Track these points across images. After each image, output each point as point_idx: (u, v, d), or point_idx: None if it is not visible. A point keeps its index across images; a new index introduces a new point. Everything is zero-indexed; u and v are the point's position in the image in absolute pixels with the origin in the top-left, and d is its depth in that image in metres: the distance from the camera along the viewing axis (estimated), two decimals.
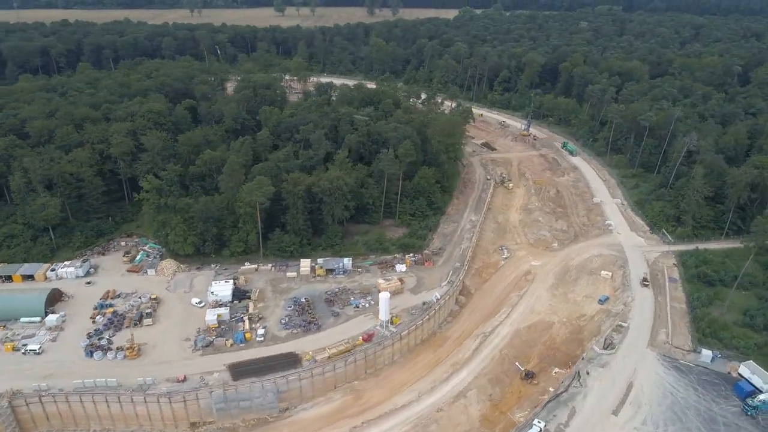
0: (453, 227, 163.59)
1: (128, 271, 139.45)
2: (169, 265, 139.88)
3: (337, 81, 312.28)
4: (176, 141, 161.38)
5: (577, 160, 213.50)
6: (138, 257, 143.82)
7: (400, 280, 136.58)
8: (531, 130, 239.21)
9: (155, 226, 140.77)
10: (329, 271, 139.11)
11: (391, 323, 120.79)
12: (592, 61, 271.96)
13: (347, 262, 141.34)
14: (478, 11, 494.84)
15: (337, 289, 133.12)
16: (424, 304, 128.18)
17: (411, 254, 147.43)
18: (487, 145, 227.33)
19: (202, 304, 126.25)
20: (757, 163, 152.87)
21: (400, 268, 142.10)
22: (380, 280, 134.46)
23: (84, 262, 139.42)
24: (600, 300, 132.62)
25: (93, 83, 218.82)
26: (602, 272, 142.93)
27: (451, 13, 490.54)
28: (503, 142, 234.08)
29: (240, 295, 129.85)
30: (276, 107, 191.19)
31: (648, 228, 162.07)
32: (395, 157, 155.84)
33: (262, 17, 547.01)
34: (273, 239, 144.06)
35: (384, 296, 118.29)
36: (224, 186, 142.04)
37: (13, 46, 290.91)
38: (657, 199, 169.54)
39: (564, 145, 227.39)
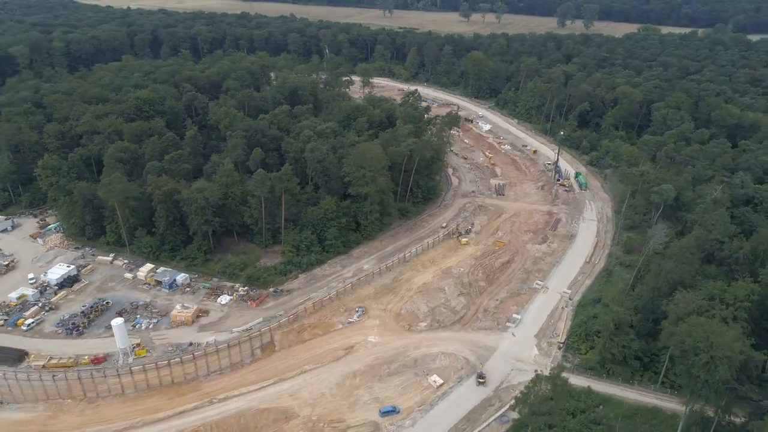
0: (334, 270, 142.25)
1: (30, 235, 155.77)
2: (54, 238, 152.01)
3: (434, 94, 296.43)
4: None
5: (588, 215, 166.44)
6: (50, 226, 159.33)
7: (203, 311, 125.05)
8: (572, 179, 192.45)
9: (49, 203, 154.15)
10: (159, 282, 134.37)
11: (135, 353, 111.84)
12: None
13: (180, 278, 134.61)
14: (665, 30, 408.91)
15: (141, 303, 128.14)
16: (190, 344, 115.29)
17: (245, 288, 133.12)
18: (500, 189, 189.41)
19: (33, 281, 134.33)
20: None
21: (223, 299, 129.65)
22: (177, 306, 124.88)
23: (7, 218, 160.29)
24: (382, 411, 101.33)
25: (177, 71, 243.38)
26: (431, 377, 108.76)
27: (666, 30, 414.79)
28: (525, 187, 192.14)
29: (71, 282, 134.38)
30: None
31: (562, 343, 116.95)
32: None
33: (445, 22, 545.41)
34: (137, 237, 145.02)
35: (117, 322, 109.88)
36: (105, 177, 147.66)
37: (167, 31, 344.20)
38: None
39: (576, 176, 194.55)
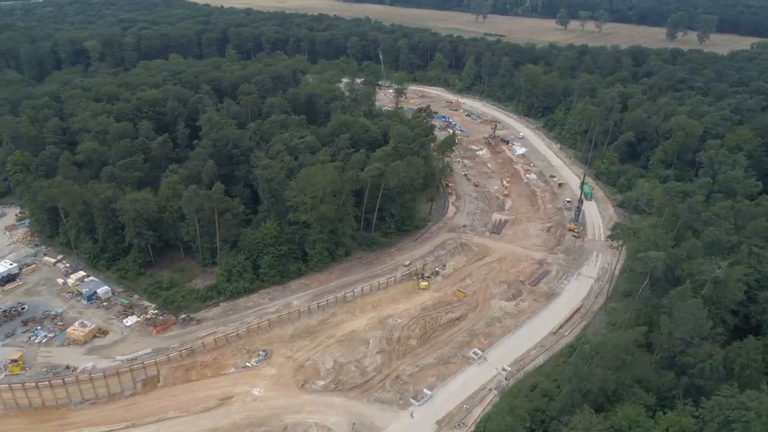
0: (260, 303, 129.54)
1: (5, 227, 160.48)
2: (21, 233, 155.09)
3: (483, 108, 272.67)
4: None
5: (587, 270, 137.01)
6: (25, 221, 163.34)
7: (102, 331, 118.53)
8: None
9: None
10: (81, 292, 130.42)
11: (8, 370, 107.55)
12: None
13: (102, 290, 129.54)
14: None
15: (53, 313, 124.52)
16: (66, 368, 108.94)
17: (155, 311, 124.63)
18: (498, 227, 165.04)
19: None
20: None
21: (130, 320, 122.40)
22: (76, 323, 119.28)
23: None
24: None
25: (203, 72, 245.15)
26: None
27: None
28: (529, 227, 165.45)
29: (5, 281, 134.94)
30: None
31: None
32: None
33: (540, 29, 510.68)
34: (80, 241, 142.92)
35: None
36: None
37: (235, 31, 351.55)
38: None
39: (581, 186, 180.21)
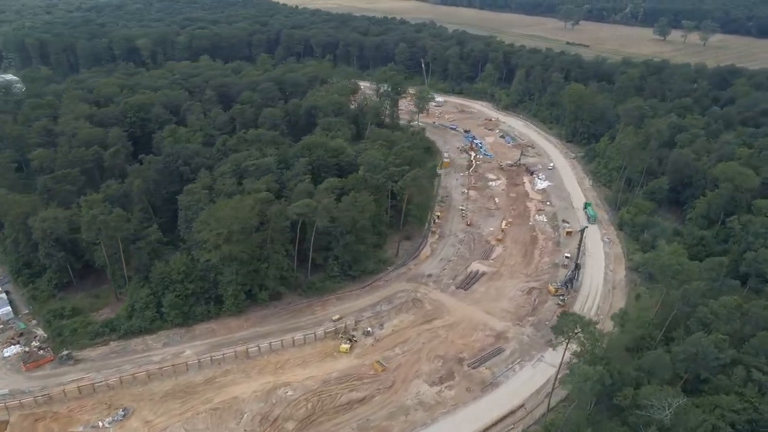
0: (151, 347, 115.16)
1: None
2: None
3: (523, 129, 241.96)
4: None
5: (551, 356, 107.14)
6: None
7: None
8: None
9: None
10: None
11: None
12: None
13: (2, 312, 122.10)
14: None
15: None
16: None
17: (37, 343, 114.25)
18: (469, 281, 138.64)
19: None
20: None
21: (10, 350, 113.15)
22: None
23: None
24: None
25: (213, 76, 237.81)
26: None
27: None
28: (507, 285, 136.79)
29: None
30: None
31: None
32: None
33: (635, 40, 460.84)
34: (7, 252, 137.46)
35: None
36: None
37: (287, 32, 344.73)
38: None
39: (585, 207, 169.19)
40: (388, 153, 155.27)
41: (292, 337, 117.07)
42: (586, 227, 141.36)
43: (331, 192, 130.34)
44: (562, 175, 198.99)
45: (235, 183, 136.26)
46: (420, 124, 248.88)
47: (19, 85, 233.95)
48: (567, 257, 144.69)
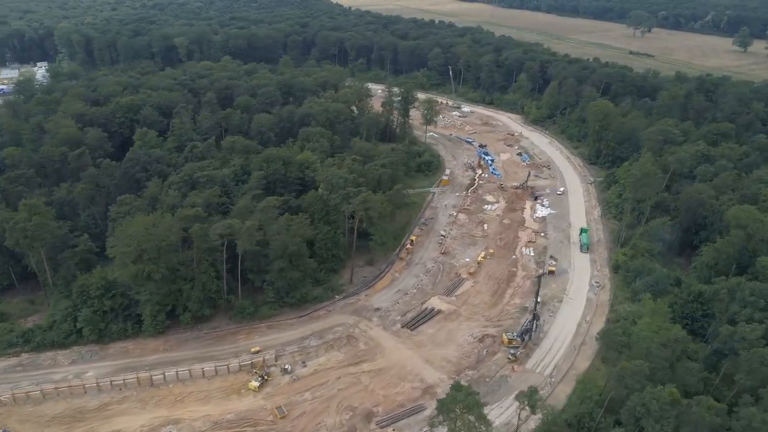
0: (54, 364, 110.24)
1: None
2: None
3: (545, 147, 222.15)
4: None
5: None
6: None
7: None
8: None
9: None
10: None
11: None
12: None
13: None
14: None
15: None
16: None
17: None
18: (417, 320, 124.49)
19: None
20: None
21: None
22: None
23: None
24: None
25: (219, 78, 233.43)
26: None
27: None
28: (459, 330, 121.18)
29: None
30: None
31: None
32: None
33: (710, 50, 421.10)
34: None
35: None
36: None
37: (322, 35, 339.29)
38: None
39: (581, 232, 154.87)
40: (359, 170, 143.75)
41: (202, 368, 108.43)
42: (543, 274, 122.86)
43: (272, 211, 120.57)
44: (570, 202, 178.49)
45: (181, 195, 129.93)
46: (434, 135, 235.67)
47: (42, 79, 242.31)
48: (537, 302, 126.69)
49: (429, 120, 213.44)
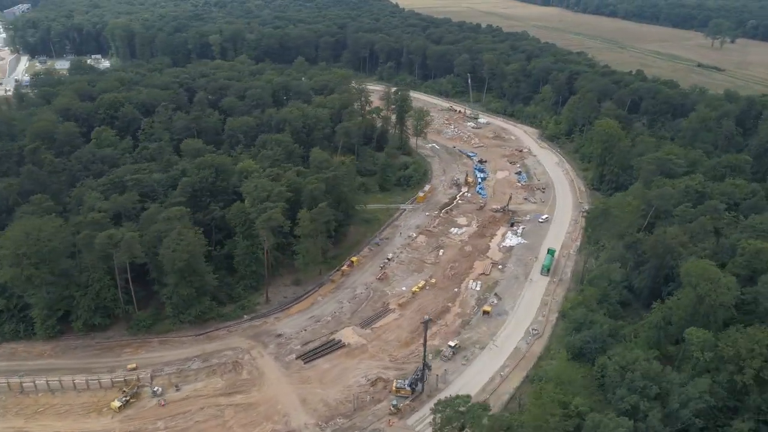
0: None
1: None
2: None
3: (552, 167, 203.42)
4: None
5: None
6: None
7: None
8: None
9: None
10: None
11: None
12: None
13: None
14: None
15: None
16: None
17: None
18: (313, 354, 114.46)
19: None
20: None
21: None
22: None
23: None
24: None
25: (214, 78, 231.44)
26: None
27: None
28: (359, 367, 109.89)
29: None
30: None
31: None
32: None
33: None
34: None
35: None
36: None
37: (353, 37, 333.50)
38: None
39: (548, 252, 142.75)
40: (299, 182, 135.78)
41: (73, 380, 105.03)
42: (430, 320, 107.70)
43: (172, 222, 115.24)
44: (550, 231, 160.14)
45: (103, 198, 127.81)
46: (435, 147, 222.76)
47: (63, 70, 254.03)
48: (451, 346, 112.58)
49: (418, 132, 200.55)
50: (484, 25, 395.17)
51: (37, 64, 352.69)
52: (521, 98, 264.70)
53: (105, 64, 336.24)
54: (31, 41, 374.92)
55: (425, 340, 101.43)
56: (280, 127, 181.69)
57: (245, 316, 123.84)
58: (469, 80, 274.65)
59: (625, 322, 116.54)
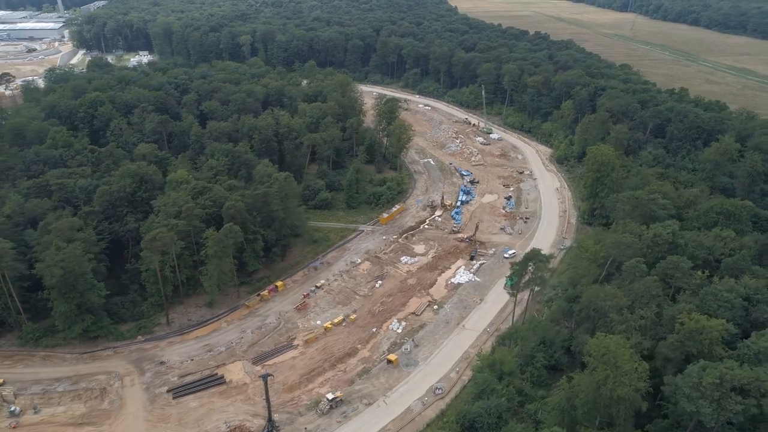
0: None
1: None
2: None
3: (550, 194, 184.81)
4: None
5: None
6: None
7: None
8: None
9: None
10: None
11: None
12: None
13: None
14: None
15: None
16: None
17: None
18: (193, 386, 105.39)
19: None
20: None
21: None
22: None
23: None
24: None
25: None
26: None
27: None
28: (255, 400, 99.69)
29: None
30: None
31: None
32: None
33: None
34: None
35: None
36: None
37: (381, 41, 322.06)
38: None
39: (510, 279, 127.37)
40: (225, 197, 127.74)
41: None
42: (269, 375, 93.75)
43: (65, 234, 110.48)
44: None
45: (23, 201, 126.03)
46: (431, 162, 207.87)
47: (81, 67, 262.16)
48: (329, 399, 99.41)
49: (398, 149, 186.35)
50: (532, 32, 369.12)
51: (88, 58, 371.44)
52: (541, 113, 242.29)
53: (144, 60, 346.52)
54: (87, 36, 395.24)
55: (267, 397, 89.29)
56: (250, 135, 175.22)
57: (140, 337, 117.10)
58: (484, 91, 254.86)
59: (546, 392, 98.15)
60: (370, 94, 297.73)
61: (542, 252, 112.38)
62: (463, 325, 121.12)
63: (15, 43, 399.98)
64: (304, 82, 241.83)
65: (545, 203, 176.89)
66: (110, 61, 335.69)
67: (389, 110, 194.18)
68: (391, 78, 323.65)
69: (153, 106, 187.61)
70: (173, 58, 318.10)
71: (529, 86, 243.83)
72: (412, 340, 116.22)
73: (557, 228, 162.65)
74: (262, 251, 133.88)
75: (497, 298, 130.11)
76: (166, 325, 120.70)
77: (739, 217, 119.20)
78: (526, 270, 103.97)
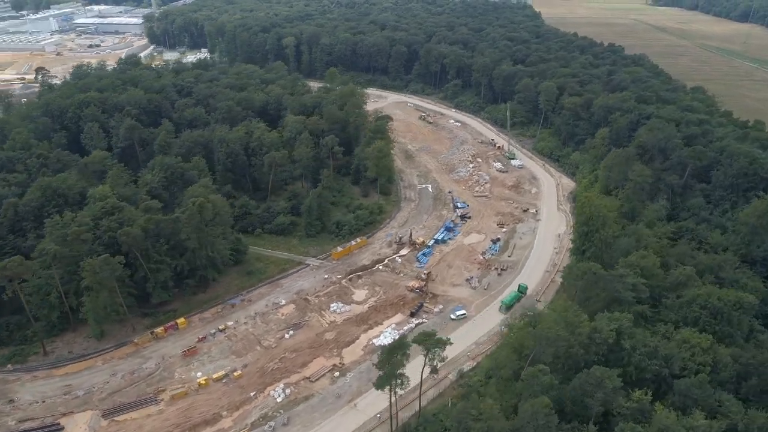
0: None
1: None
2: None
3: (549, 241, 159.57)
4: None
5: None
6: None
7: None
8: None
9: None
10: None
11: None
12: None
13: None
14: None
15: None
16: None
17: None
18: (115, 410, 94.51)
19: None
20: None
21: None
22: None
23: None
24: None
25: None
26: None
27: None
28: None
29: None
30: None
31: None
32: None
33: None
34: None
35: None
36: None
37: (425, 49, 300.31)
38: None
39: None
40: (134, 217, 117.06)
41: None
42: None
43: None
44: (464, 330, 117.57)
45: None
46: (429, 189, 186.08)
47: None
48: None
49: (377, 173, 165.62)
50: (616, 44, 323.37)
51: (154, 53, 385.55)
52: (576, 140, 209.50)
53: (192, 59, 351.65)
54: (157, 32, 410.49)
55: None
56: (219, 148, 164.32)
57: (10, 366, 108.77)
58: (509, 110, 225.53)
59: None
60: (404, 105, 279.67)
61: (436, 333, 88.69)
62: (355, 404, 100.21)
63: (93, 36, 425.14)
64: (315, 89, 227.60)
65: (535, 252, 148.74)
66: (167, 58, 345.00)
67: (378, 129, 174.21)
68: (432, 88, 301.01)
69: (141, 109, 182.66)
70: (222, 58, 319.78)
71: (566, 108, 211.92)
72: (286, 415, 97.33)
73: (536, 286, 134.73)
74: (172, 281, 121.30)
75: (413, 373, 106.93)
76: (43, 355, 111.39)
77: (730, 319, 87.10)
78: (391, 361, 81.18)
